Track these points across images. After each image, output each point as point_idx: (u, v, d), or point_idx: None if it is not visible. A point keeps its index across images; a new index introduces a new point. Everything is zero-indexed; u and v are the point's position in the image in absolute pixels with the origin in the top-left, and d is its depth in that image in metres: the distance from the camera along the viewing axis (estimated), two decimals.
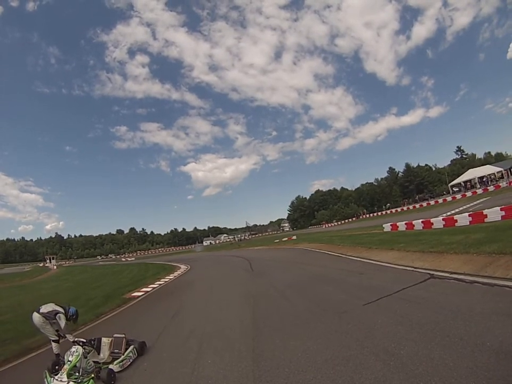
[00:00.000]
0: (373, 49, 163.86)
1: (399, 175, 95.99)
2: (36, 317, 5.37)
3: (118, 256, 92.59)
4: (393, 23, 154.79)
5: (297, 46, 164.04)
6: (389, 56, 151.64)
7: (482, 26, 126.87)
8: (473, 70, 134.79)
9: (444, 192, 68.59)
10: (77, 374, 4.61)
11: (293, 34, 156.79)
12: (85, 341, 5.23)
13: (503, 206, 14.65)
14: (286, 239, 42.85)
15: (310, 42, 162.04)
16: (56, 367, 5.04)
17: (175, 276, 19.80)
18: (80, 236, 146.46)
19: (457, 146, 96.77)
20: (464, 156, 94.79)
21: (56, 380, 4.51)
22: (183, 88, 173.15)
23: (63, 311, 5.46)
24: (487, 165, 61.83)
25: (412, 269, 8.82)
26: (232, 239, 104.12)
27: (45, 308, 5.46)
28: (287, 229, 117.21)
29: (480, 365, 3.26)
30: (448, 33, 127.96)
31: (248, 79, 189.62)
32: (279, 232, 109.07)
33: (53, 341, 5.52)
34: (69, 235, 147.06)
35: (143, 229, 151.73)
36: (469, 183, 58.10)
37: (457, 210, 26.62)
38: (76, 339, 5.18)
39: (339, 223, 75.92)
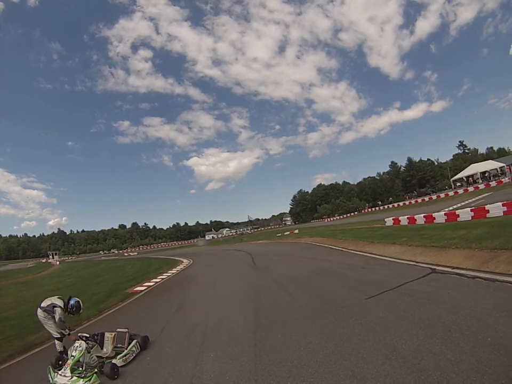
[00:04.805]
0: (376, 44, 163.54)
1: (401, 169, 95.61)
2: (39, 312, 5.45)
3: (121, 251, 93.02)
4: (397, 17, 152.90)
5: (300, 40, 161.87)
6: (392, 51, 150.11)
7: (486, 21, 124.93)
8: (476, 65, 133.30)
9: (446, 187, 68.32)
10: (81, 369, 4.66)
11: (296, 28, 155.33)
12: (88, 335, 5.26)
13: (505, 202, 14.60)
14: (288, 233, 42.90)
15: (313, 37, 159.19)
16: (60, 362, 5.10)
17: (177, 270, 19.89)
18: (83, 231, 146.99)
19: (460, 141, 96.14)
20: (466, 151, 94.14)
21: (60, 375, 4.56)
22: (187, 82, 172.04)
23: (61, 304, 5.44)
24: (490, 160, 61.30)
25: (414, 263, 8.83)
26: (234, 233, 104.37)
27: (45, 302, 5.50)
28: (289, 223, 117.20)
29: (481, 360, 3.27)
30: (451, 28, 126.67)
31: (252, 73, 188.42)
32: (281, 226, 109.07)
33: (56, 338, 5.55)
34: (71, 231, 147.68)
35: (145, 223, 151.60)
36: (471, 178, 57.76)
37: (459, 205, 26.53)
38: (79, 334, 5.22)
39: (341, 217, 75.85)
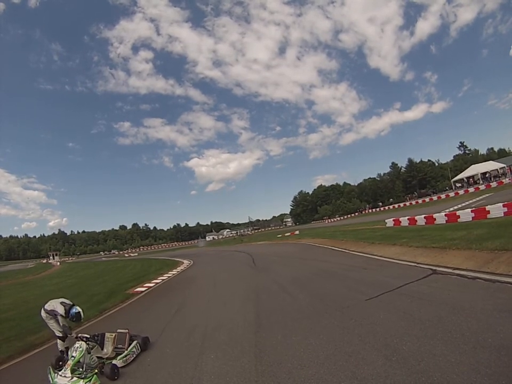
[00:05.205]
0: (376, 45, 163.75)
1: (401, 170, 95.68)
2: (42, 312, 5.51)
3: (121, 252, 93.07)
4: (397, 18, 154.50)
5: (301, 41, 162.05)
6: (392, 52, 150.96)
7: (486, 22, 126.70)
8: (476, 66, 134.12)
9: (447, 188, 68.26)
10: (81, 369, 4.66)
11: (296, 29, 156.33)
12: (88, 336, 5.27)
13: (505, 202, 14.55)
14: (288, 234, 42.88)
15: (313, 38, 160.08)
16: (60, 363, 5.11)
17: (178, 271, 19.88)
18: (83, 232, 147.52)
19: (460, 142, 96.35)
20: (467, 152, 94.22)
21: (60, 375, 4.56)
22: (187, 83, 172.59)
23: (62, 312, 5.39)
24: (490, 161, 61.26)
25: (414, 264, 8.82)
26: (235, 234, 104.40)
27: (48, 306, 5.51)
28: (290, 224, 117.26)
29: (482, 361, 3.27)
30: (452, 29, 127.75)
31: (252, 74, 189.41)
32: (281, 227, 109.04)
33: (59, 337, 5.58)
34: (72, 231, 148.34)
35: (146, 224, 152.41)
36: (471, 179, 57.71)
37: (459, 206, 26.49)
38: (80, 335, 5.23)
39: (342, 218, 75.79)
